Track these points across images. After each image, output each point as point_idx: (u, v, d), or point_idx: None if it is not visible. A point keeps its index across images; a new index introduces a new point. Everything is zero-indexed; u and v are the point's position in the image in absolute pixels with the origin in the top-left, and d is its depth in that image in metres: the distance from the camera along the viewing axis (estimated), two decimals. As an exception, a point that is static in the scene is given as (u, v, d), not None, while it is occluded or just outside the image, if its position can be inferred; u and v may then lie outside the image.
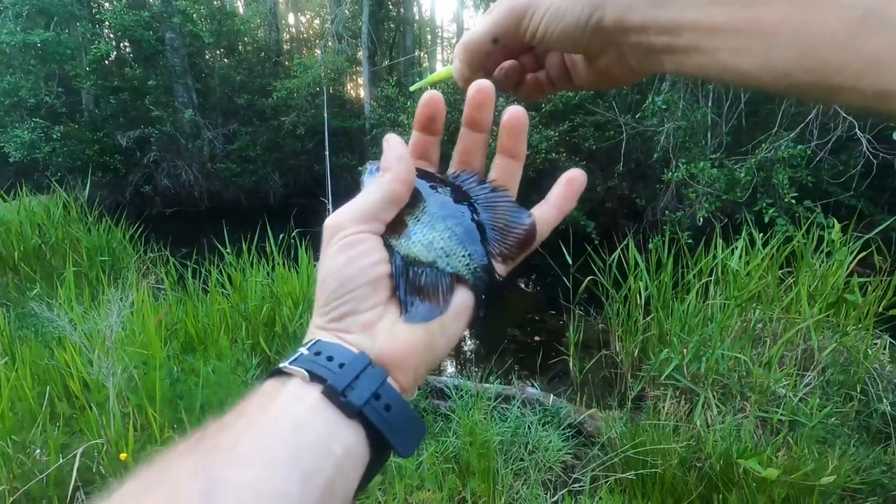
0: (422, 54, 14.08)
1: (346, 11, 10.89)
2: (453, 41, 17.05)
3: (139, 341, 2.18)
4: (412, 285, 0.32)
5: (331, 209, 2.53)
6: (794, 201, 4.55)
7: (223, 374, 2.14)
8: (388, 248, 0.33)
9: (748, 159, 5.01)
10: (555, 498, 2.11)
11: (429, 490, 2.02)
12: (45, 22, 8.77)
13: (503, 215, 0.34)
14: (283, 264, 3.37)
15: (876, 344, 2.66)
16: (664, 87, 5.75)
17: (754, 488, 1.92)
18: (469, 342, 4.40)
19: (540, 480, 2.17)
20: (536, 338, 4.36)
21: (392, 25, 12.29)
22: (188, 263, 3.50)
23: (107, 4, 10.06)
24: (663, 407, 2.50)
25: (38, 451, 1.79)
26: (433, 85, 0.42)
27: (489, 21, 0.36)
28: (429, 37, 17.15)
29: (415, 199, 0.34)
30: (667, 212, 5.62)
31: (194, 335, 2.61)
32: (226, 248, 3.53)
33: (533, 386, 2.88)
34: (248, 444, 0.26)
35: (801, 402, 2.35)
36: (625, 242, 3.37)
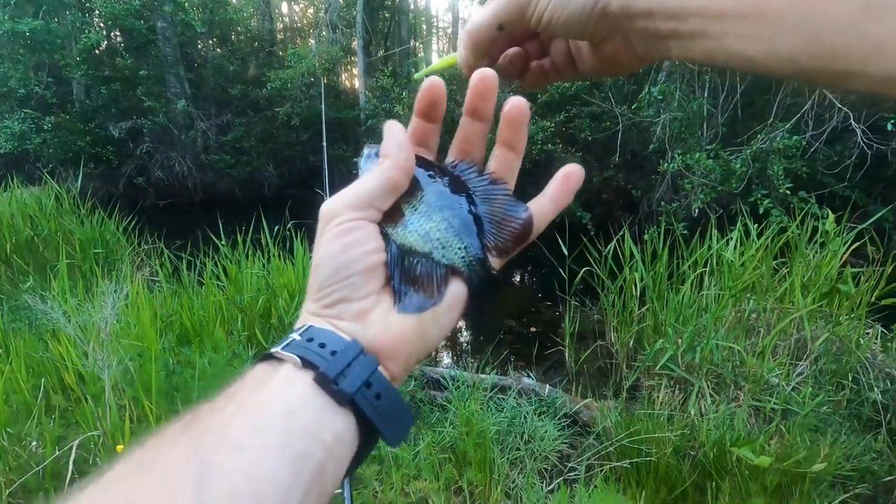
0: (417, 44, 13.96)
1: (341, 0, 10.77)
2: (449, 31, 16.92)
3: (134, 333, 2.17)
4: (407, 275, 0.32)
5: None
6: (788, 192, 4.56)
7: (219, 365, 2.14)
8: (385, 236, 0.33)
9: (744, 150, 5.01)
10: (550, 486, 2.13)
11: (425, 480, 2.03)
12: (34, 10, 8.61)
13: (500, 208, 0.34)
14: (279, 256, 3.36)
15: (868, 333, 2.68)
16: (660, 78, 5.73)
17: (747, 476, 1.94)
18: (465, 333, 4.41)
19: (536, 469, 2.19)
20: (532, 329, 4.38)
21: (387, 15, 12.16)
22: (183, 255, 3.48)
23: (96, -7, 9.89)
24: (658, 396, 2.52)
25: (33, 443, 1.79)
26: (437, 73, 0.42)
27: (494, 7, 0.35)
28: (424, 27, 16.99)
29: (413, 188, 0.34)
30: (662, 203, 5.63)
31: (190, 327, 2.61)
32: (221, 240, 3.51)
33: (529, 376, 2.89)
34: (240, 428, 0.26)
35: (793, 391, 2.38)
36: (620, 233, 3.38)
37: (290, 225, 3.64)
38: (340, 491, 1.17)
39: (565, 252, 3.35)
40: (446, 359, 3.79)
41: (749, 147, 4.97)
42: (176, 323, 2.63)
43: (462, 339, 4.25)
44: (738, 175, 4.88)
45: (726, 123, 5.68)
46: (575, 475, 2.20)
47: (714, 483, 1.95)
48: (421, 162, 0.35)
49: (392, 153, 0.33)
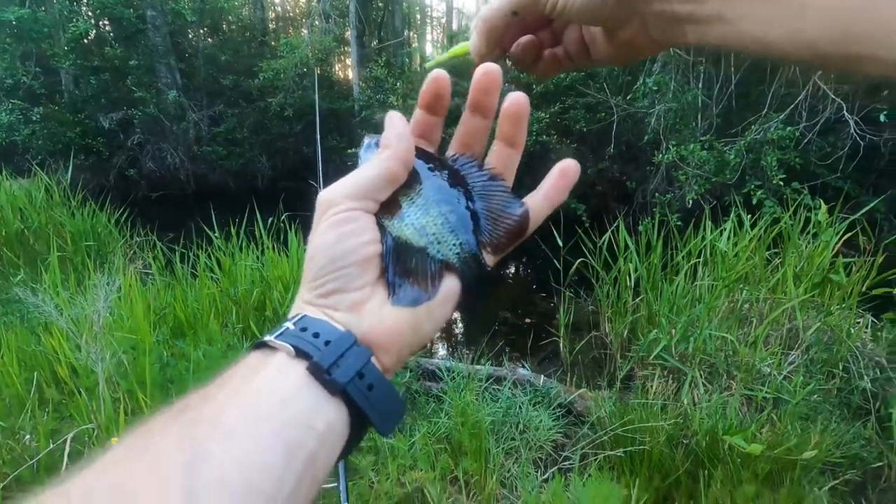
0: (411, 34, 13.83)
1: (334, -11, 10.62)
2: (443, 21, 16.76)
3: (128, 326, 2.16)
4: (401, 269, 0.32)
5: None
6: (782, 183, 4.58)
7: (214, 358, 2.13)
8: (381, 227, 0.33)
9: (737, 141, 5.02)
10: (545, 476, 2.15)
11: (421, 470, 2.05)
12: (20, -1, 8.46)
13: (497, 205, 0.34)
14: (273, 248, 3.34)
15: (858, 323, 2.71)
16: (655, 69, 5.72)
17: (739, 464, 1.97)
18: (460, 325, 4.42)
19: (531, 459, 2.21)
20: (527, 320, 4.39)
21: (380, 4, 12.02)
22: (176, 248, 3.46)
23: (84, -20, 9.71)
24: (651, 386, 2.54)
25: (27, 436, 1.78)
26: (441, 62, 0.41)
27: None
28: (418, 16, 16.83)
29: (411, 180, 0.33)
30: (657, 194, 5.64)
31: (184, 320, 2.59)
32: (214, 232, 3.49)
33: (524, 367, 2.91)
34: (233, 416, 0.26)
35: (785, 379, 2.41)
36: (615, 225, 3.39)
37: (283, 217, 3.62)
38: (336, 483, 1.18)
39: (560, 243, 3.36)
40: (441, 350, 3.80)
41: (743, 138, 4.98)
42: (170, 315, 2.62)
43: (457, 331, 4.26)
44: (732, 166, 4.89)
45: (721, 114, 5.68)
46: (569, 464, 2.22)
47: (706, 471, 1.98)
48: (421, 154, 0.35)
49: (392, 144, 0.33)
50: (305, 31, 11.28)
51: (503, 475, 2.11)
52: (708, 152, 5.02)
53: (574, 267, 3.42)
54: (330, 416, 0.29)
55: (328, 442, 0.29)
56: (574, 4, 0.32)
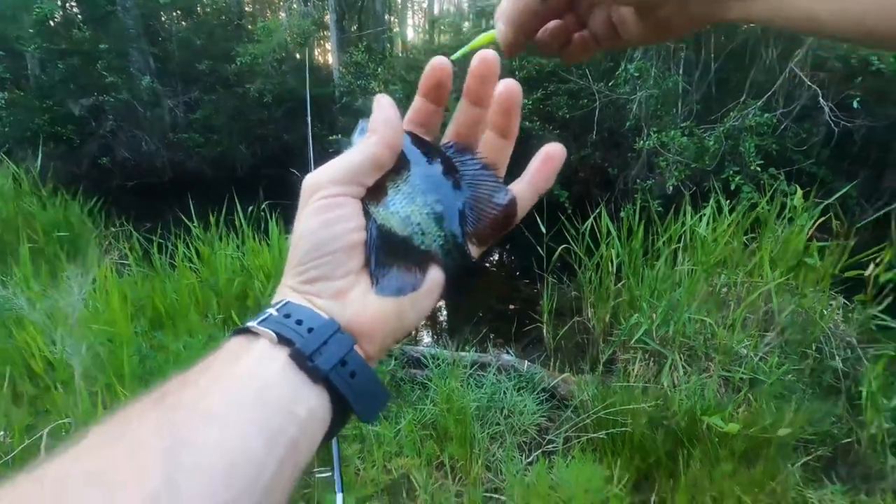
0: (393, 19, 13.60)
1: (312, -29, 10.35)
2: (424, 5, 16.50)
3: (104, 318, 2.11)
4: (384, 258, 0.32)
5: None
6: (759, 169, 4.66)
7: (195, 349, 2.10)
8: (366, 214, 0.32)
9: (717, 128, 5.08)
10: (529, 459, 2.18)
11: (407, 456, 2.06)
12: (-20, -22, 8.06)
13: (485, 194, 0.33)
14: (254, 237, 3.29)
15: (831, 305, 2.79)
16: (637, 55, 5.73)
17: (717, 443, 2.03)
18: (444, 312, 4.43)
19: (515, 443, 2.24)
20: (511, 306, 4.42)
21: (360, -13, 11.76)
22: (153, 238, 3.38)
23: (48, -41, 9.27)
24: (633, 369, 2.59)
25: (1, 432, 1.74)
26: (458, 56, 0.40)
27: None
28: (399, 0, 16.54)
29: (400, 167, 0.33)
30: (638, 180, 5.70)
31: (163, 311, 2.54)
32: (192, 222, 3.42)
33: (508, 353, 2.93)
34: (214, 402, 0.26)
35: (761, 360, 2.47)
36: (597, 211, 3.42)
37: (264, 205, 3.56)
38: (331, 473, 1.18)
39: (543, 230, 3.37)
40: (426, 337, 3.81)
41: (722, 124, 5.04)
42: (148, 307, 2.56)
43: (441, 318, 4.27)
44: (711, 152, 4.95)
45: (701, 101, 5.74)
46: (553, 447, 2.26)
47: (686, 450, 2.03)
48: (413, 140, 0.34)
49: (379, 129, 0.32)
50: (283, 15, 11.00)
51: (488, 459, 2.14)
52: (688, 139, 5.08)
53: (557, 253, 3.44)
54: (312, 402, 0.29)
55: (310, 428, 0.28)
56: None
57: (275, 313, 0.30)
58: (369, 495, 1.90)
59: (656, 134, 5.22)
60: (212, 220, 3.45)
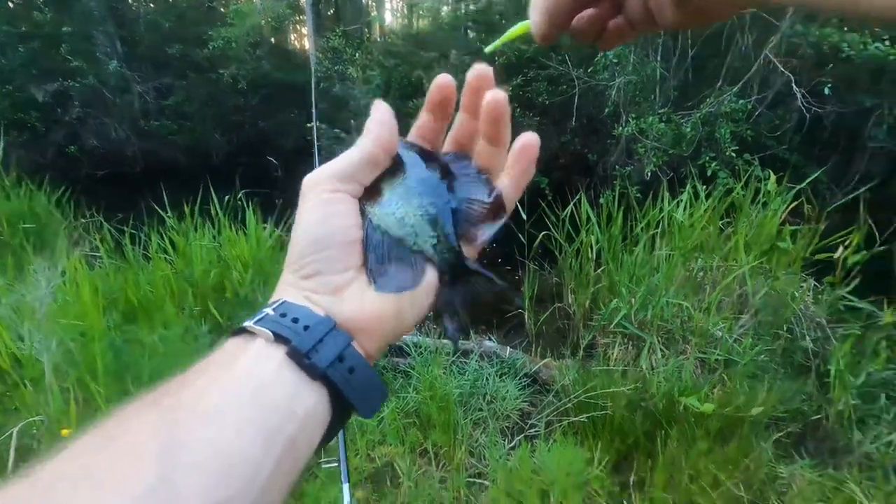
0: (370, 2, 13.31)
1: (285, -48, 10.04)
2: (402, -11, 16.19)
3: (74, 312, 2.04)
4: (381, 257, 0.32)
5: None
6: (734, 154, 4.74)
7: (171, 342, 2.05)
8: (363, 213, 0.33)
9: (693, 114, 5.14)
10: (512, 443, 2.21)
11: (390, 444, 2.06)
12: (-71, -46, 7.59)
13: (475, 195, 0.34)
14: (230, 227, 3.22)
15: (802, 287, 2.88)
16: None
17: (693, 423, 2.08)
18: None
19: (498, 428, 2.26)
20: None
21: (336, -31, 11.47)
22: (125, 229, 3.28)
23: (4, -65, 8.81)
24: (612, 353, 2.63)
25: (-32, 432, 1.68)
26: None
27: None
28: (376, -17, 16.19)
29: (396, 169, 0.34)
30: (617, 167, 5.74)
31: (136, 303, 2.48)
32: (166, 212, 3.32)
33: (490, 339, 2.95)
34: (210, 402, 0.26)
35: (735, 342, 2.54)
36: (577, 197, 3.44)
37: (241, 194, 3.48)
38: (337, 464, 1.17)
39: (524, 217, 3.38)
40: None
41: (699, 111, 5.10)
42: (120, 299, 2.49)
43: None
44: (688, 138, 5.02)
45: (678, 87, 5.79)
46: (535, 431, 2.29)
47: (664, 431, 2.08)
48: (411, 145, 0.35)
49: (373, 129, 0.33)
50: (257, -3, 10.66)
51: (471, 445, 2.16)
52: (666, 125, 5.13)
53: (538, 240, 3.46)
54: (310, 400, 0.29)
55: (308, 427, 0.29)
56: None
57: (271, 312, 0.31)
58: (353, 484, 1.90)
59: (634, 120, 5.26)
60: (186, 209, 3.36)
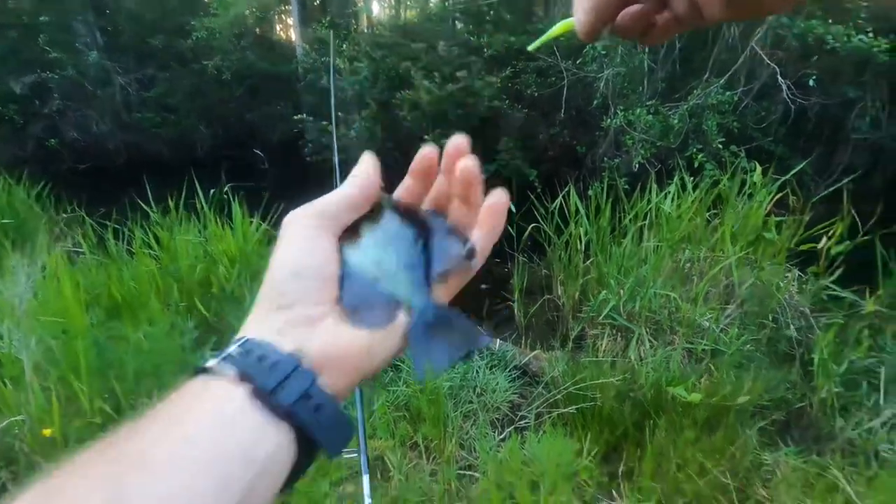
0: (356, -8, 13.12)
1: (270, -60, 9.85)
2: (390, -21, 16.00)
3: (55, 309, 2.00)
4: (355, 295, 0.33)
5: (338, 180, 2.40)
6: (721, 146, 4.78)
7: (156, 338, 2.02)
8: (341, 252, 0.34)
9: (681, 106, 5.16)
10: (502, 435, 2.21)
11: (381, 438, 2.06)
12: None
13: (451, 249, 0.36)
14: (216, 221, 3.17)
15: (787, 277, 2.92)
16: (604, 33, 5.72)
17: (680, 412, 2.10)
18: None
19: (488, 420, 2.27)
20: (483, 285, 4.44)
21: (322, -41, 11.28)
22: (108, 223, 3.22)
23: (-24, -79, 8.52)
24: (601, 344, 2.65)
25: (-53, 433, 1.64)
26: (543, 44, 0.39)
27: None
28: (363, -27, 15.97)
29: (377, 215, 0.36)
30: (605, 158, 5.76)
31: (120, 299, 2.43)
32: (150, 206, 3.26)
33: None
34: (161, 453, 0.25)
35: (722, 332, 2.57)
36: (566, 189, 3.44)
37: (227, 188, 3.43)
38: (356, 454, 1.16)
39: (513, 209, 3.37)
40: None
41: (686, 103, 5.13)
42: (104, 296, 2.44)
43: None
44: (675, 130, 5.04)
45: (665, 79, 5.80)
46: (525, 423, 2.30)
47: (652, 421, 2.10)
48: (394, 200, 0.37)
49: (357, 175, 0.36)
50: (241, -13, 10.45)
51: (462, 438, 2.16)
52: (653, 117, 5.14)
53: (527, 232, 3.46)
54: (273, 443, 0.28)
55: (270, 472, 0.28)
56: None
57: (235, 351, 0.30)
58: (343, 478, 1.90)
59: (623, 112, 5.27)
60: (171, 203, 3.30)
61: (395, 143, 6.57)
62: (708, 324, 2.61)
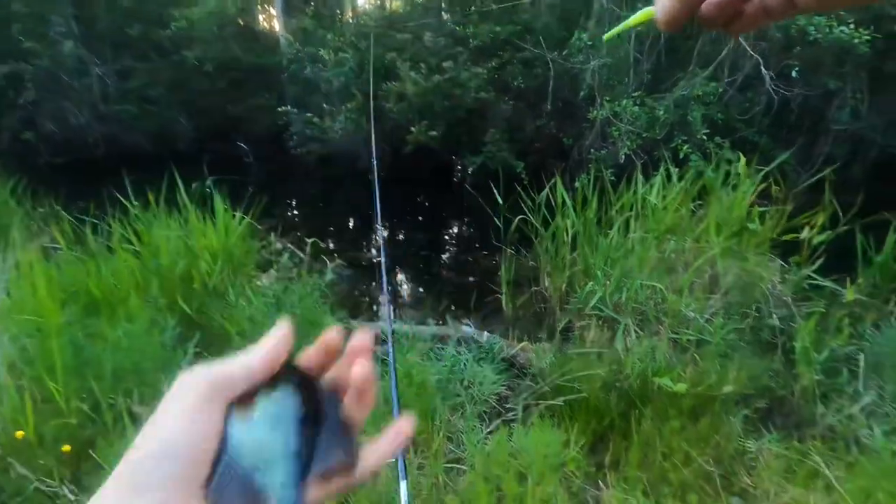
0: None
1: (251, -72, 9.64)
2: (374, -32, 15.76)
3: (30, 307, 1.94)
4: (223, 488, 0.30)
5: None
6: (705, 137, 4.81)
7: (136, 336, 1.97)
8: (226, 423, 0.31)
9: (666, 97, 5.18)
10: (490, 428, 2.21)
11: (367, 432, 2.04)
12: None
13: (338, 454, 0.33)
14: (198, 215, 3.10)
15: (770, 266, 2.95)
16: (590, 24, 5.71)
17: (666, 402, 2.12)
18: (405, 287, 4.40)
19: (476, 413, 2.26)
20: (470, 278, 4.44)
21: (305, -53, 11.07)
22: (86, 219, 3.13)
23: None
24: (588, 336, 2.66)
25: (-84, 436, 1.59)
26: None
27: None
28: (347, -38, 15.72)
29: (274, 383, 0.33)
30: (592, 150, 5.77)
31: (98, 296, 2.37)
32: (130, 201, 3.18)
33: (467, 325, 2.95)
34: None
35: (706, 322, 2.59)
36: (553, 181, 3.43)
37: (209, 181, 3.36)
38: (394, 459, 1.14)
39: (500, 201, 3.36)
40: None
41: (672, 94, 5.15)
42: (81, 293, 2.38)
43: (402, 293, 4.24)
44: (661, 121, 5.06)
45: (651, 70, 5.82)
46: (513, 415, 2.30)
47: (638, 411, 2.12)
48: (298, 371, 0.35)
49: (265, 346, 0.34)
50: (222, -25, 10.21)
51: (449, 431, 2.15)
52: (639, 108, 5.16)
53: (514, 224, 3.45)
54: None
55: None
56: None
57: None
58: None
59: (609, 103, 5.27)
60: (151, 198, 3.23)
61: (382, 135, 6.51)
62: (693, 314, 2.63)
